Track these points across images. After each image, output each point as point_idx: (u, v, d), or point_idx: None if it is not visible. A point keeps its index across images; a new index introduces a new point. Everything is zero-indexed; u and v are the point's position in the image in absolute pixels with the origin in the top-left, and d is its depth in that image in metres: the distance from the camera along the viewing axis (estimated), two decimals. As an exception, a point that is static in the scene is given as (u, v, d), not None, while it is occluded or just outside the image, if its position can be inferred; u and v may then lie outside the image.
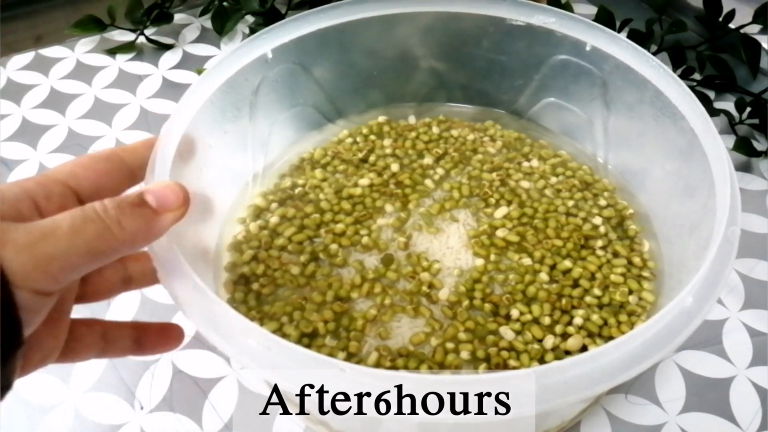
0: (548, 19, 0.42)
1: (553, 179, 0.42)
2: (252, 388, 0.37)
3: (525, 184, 0.42)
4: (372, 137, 0.45)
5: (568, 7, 0.58)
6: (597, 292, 0.36)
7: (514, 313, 0.35)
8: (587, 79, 0.42)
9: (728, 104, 0.54)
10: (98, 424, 0.36)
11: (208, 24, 0.61)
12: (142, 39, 0.60)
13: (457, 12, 0.43)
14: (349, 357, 0.33)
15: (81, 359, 0.28)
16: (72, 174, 0.26)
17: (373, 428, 0.33)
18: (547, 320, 0.34)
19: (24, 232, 0.21)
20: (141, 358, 0.38)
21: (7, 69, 0.57)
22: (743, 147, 0.49)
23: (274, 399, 0.36)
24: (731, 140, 0.50)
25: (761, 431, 0.35)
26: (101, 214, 0.22)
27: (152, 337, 0.30)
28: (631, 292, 0.36)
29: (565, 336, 0.34)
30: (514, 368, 0.32)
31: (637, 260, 0.38)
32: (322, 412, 0.34)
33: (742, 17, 0.54)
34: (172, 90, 0.56)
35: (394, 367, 0.33)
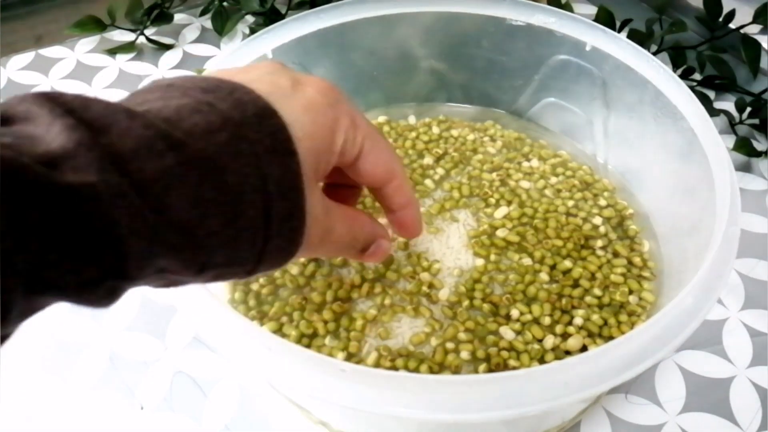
0: (548, 19, 0.42)
1: (553, 179, 0.42)
2: (252, 388, 0.37)
3: (525, 184, 0.42)
4: (372, 137, 0.45)
5: (568, 7, 0.58)
6: (597, 292, 0.36)
7: (514, 313, 0.35)
8: (587, 79, 0.42)
9: (728, 104, 0.54)
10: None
11: (208, 24, 0.61)
12: (142, 39, 0.60)
13: (457, 12, 0.43)
14: (349, 357, 0.33)
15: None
16: None
17: (373, 428, 0.33)
18: (547, 320, 0.34)
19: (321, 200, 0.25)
20: (140, 358, 0.38)
21: (7, 69, 0.57)
22: (743, 147, 0.49)
23: (275, 399, 0.36)
24: (731, 140, 0.50)
25: (761, 431, 0.35)
26: (358, 229, 0.29)
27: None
28: (631, 292, 0.36)
29: (565, 336, 0.34)
30: (514, 368, 0.32)
31: (637, 260, 0.38)
32: (321, 412, 0.34)
33: (743, 17, 0.54)
34: (172, 90, 0.56)
35: (394, 368, 0.33)
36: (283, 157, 0.22)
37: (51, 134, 0.18)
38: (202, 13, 0.62)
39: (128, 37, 0.60)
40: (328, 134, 0.25)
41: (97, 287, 0.18)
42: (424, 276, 0.36)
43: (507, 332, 0.34)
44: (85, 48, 0.60)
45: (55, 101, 0.19)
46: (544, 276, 0.36)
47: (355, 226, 0.28)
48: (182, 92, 0.21)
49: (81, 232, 0.17)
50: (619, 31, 0.55)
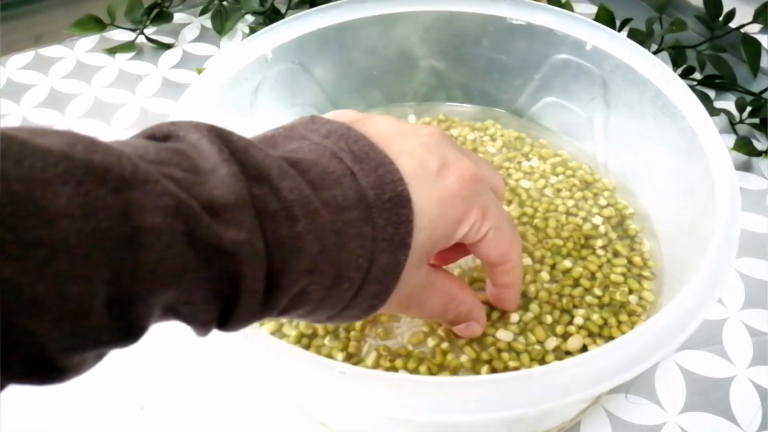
0: (548, 18, 0.42)
1: (553, 179, 0.42)
2: (252, 389, 0.37)
3: (525, 183, 0.42)
4: (372, 137, 0.45)
5: (568, 6, 0.58)
6: (597, 291, 0.36)
7: (514, 316, 0.35)
8: (587, 79, 0.42)
9: (728, 104, 0.54)
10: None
11: (208, 23, 0.61)
12: (141, 38, 0.60)
13: (457, 11, 0.43)
14: (349, 357, 0.33)
15: None
16: None
17: (373, 428, 0.33)
18: (548, 319, 0.34)
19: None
20: (140, 357, 0.38)
21: (7, 68, 0.57)
22: (743, 146, 0.49)
23: (274, 399, 0.36)
24: (731, 140, 0.50)
25: (761, 431, 0.35)
26: (454, 308, 0.30)
27: None
28: (631, 291, 0.36)
29: (565, 336, 0.34)
30: (515, 369, 0.32)
31: (637, 260, 0.38)
32: (321, 412, 0.34)
33: (743, 16, 0.54)
34: (172, 89, 0.56)
35: (393, 368, 0.33)
36: (397, 249, 0.24)
37: (216, 178, 0.20)
38: (202, 13, 0.62)
39: (128, 36, 0.60)
40: (453, 226, 0.26)
41: (212, 326, 0.21)
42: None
43: (507, 333, 0.34)
44: (84, 47, 0.60)
45: (223, 140, 0.21)
46: (544, 275, 0.36)
47: (451, 305, 0.29)
48: (333, 153, 0.23)
49: (219, 282, 0.19)
50: (620, 31, 0.55)
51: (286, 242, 0.21)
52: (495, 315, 0.35)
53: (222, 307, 0.20)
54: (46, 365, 0.17)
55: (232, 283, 0.20)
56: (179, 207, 0.18)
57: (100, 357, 0.19)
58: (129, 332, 0.18)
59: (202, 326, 0.21)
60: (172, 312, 0.20)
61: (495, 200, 0.28)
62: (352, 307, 0.24)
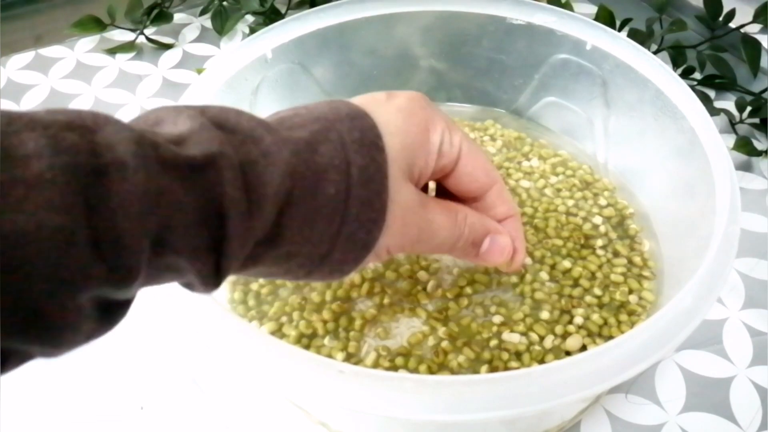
0: (548, 18, 0.42)
1: (553, 179, 0.42)
2: (252, 389, 0.37)
3: (525, 183, 0.42)
4: (372, 137, 0.45)
5: (568, 6, 0.58)
6: (597, 291, 0.36)
7: (517, 315, 0.35)
8: (587, 79, 0.42)
9: (728, 103, 0.54)
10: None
11: (208, 23, 0.61)
12: (142, 39, 0.60)
13: (457, 11, 0.43)
14: (348, 357, 0.33)
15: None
16: None
17: (373, 428, 0.33)
18: (545, 315, 0.34)
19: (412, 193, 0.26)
20: (140, 357, 0.38)
21: (7, 69, 0.57)
22: (743, 146, 0.49)
23: (274, 399, 0.36)
24: (731, 139, 0.50)
25: (761, 431, 0.35)
26: (462, 220, 0.28)
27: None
28: (631, 291, 0.36)
29: (564, 336, 0.34)
30: (515, 368, 0.32)
31: (637, 260, 0.38)
32: (321, 412, 0.34)
33: (743, 16, 0.54)
34: (171, 90, 0.56)
35: (393, 367, 0.33)
36: (370, 149, 0.23)
37: (180, 122, 0.21)
38: (202, 13, 0.62)
39: (128, 36, 0.60)
40: (422, 132, 0.26)
41: (208, 258, 0.20)
42: (422, 275, 0.36)
43: (507, 333, 0.34)
44: (85, 47, 0.60)
45: (179, 107, 0.22)
46: (544, 275, 0.36)
47: (458, 219, 0.28)
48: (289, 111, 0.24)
49: (199, 201, 0.19)
50: (620, 30, 0.55)
51: (257, 158, 0.21)
52: (497, 319, 0.35)
53: (211, 235, 0.20)
54: (36, 316, 0.16)
55: (214, 204, 0.20)
56: (143, 136, 0.19)
57: (98, 309, 0.19)
58: (119, 269, 0.18)
59: (197, 260, 0.20)
60: (161, 245, 0.19)
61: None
62: (349, 223, 0.23)
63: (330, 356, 0.33)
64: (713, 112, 0.51)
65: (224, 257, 0.21)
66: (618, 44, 0.40)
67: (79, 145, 0.17)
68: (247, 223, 0.21)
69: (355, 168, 0.23)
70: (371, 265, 0.37)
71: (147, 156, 0.18)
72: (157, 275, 0.20)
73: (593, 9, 0.59)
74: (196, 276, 0.21)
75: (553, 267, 0.37)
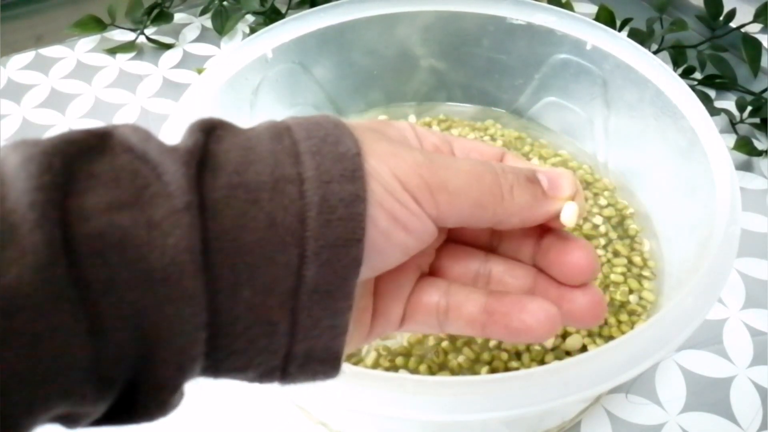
0: (548, 18, 0.42)
1: (554, 179, 0.42)
2: (252, 389, 0.37)
3: (525, 183, 0.42)
4: (372, 137, 0.45)
5: (568, 6, 0.58)
6: (597, 291, 0.36)
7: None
8: (587, 78, 0.42)
9: (729, 103, 0.54)
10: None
11: (209, 23, 0.61)
12: (142, 38, 0.60)
13: (458, 11, 0.43)
14: (348, 357, 0.33)
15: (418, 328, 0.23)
16: None
17: (373, 428, 0.33)
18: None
19: (416, 154, 0.19)
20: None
21: (8, 69, 0.57)
22: (744, 146, 0.49)
23: (274, 399, 0.36)
24: (732, 139, 0.50)
25: (761, 431, 0.35)
26: (499, 172, 0.20)
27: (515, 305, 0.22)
28: (631, 291, 0.36)
29: (564, 336, 0.34)
30: (515, 369, 0.32)
31: (637, 259, 0.38)
32: (321, 412, 0.34)
33: (743, 16, 0.54)
34: (172, 90, 0.56)
35: (393, 367, 0.33)
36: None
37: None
38: (202, 13, 0.62)
39: (128, 36, 0.60)
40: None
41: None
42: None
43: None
44: (85, 47, 0.60)
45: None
46: (544, 275, 0.36)
47: (472, 154, 0.22)
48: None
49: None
50: (620, 30, 0.55)
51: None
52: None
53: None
54: None
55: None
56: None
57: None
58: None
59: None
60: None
61: None
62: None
63: (330, 356, 0.33)
64: (713, 112, 0.51)
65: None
66: (618, 44, 0.40)
67: None
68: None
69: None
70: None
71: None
72: None
73: (593, 9, 0.59)
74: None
75: (553, 267, 0.37)
